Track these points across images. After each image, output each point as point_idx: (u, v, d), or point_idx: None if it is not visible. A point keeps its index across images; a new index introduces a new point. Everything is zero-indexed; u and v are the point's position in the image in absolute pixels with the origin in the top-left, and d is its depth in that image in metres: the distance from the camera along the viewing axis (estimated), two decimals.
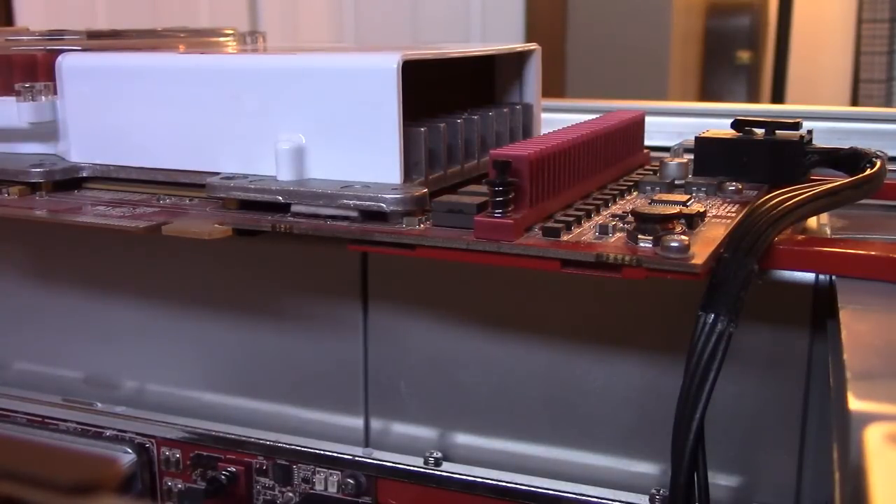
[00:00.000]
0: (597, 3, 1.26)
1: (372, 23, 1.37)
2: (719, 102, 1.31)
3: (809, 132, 0.37)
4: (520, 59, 0.42)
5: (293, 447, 0.39)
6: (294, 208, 0.32)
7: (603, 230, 0.29)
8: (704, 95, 1.44)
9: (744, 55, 1.46)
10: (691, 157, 0.37)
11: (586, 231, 0.29)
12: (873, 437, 0.17)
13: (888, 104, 1.43)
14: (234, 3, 1.41)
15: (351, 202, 0.31)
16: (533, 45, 0.41)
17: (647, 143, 0.42)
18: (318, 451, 0.38)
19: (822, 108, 0.51)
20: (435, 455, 0.37)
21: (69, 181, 0.38)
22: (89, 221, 0.34)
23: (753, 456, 0.34)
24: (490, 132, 0.38)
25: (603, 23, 1.25)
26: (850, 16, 1.54)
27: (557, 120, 0.48)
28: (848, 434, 0.18)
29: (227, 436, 0.40)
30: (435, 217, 0.30)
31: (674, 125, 0.52)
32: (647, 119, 0.42)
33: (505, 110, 0.39)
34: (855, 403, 0.20)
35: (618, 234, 0.29)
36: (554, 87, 1.19)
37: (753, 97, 1.48)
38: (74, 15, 1.44)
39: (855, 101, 1.49)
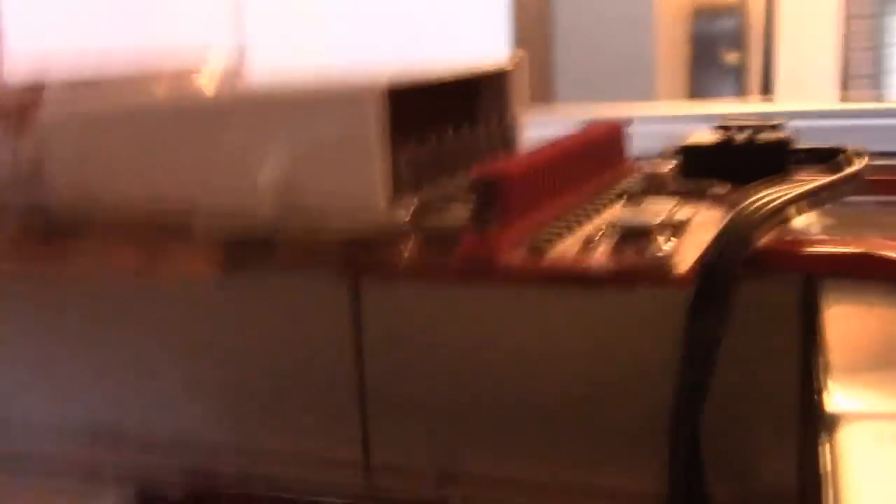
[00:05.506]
0: (583, 7, 1.27)
1: (359, 29, 1.37)
2: (707, 101, 1.31)
3: (794, 132, 0.37)
4: (505, 73, 0.42)
5: (294, 482, 0.39)
6: (280, 239, 0.32)
7: (589, 242, 0.29)
8: (692, 96, 1.44)
9: (731, 55, 1.47)
10: (677, 161, 0.38)
11: (572, 244, 0.30)
12: (857, 437, 0.17)
13: (876, 100, 1.43)
14: (218, 12, 1.40)
15: (337, 229, 0.31)
16: (517, 60, 0.41)
17: (634, 148, 0.42)
18: (319, 482, 0.38)
19: (810, 106, 0.51)
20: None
21: (53, 229, 0.38)
22: (77, 266, 0.34)
23: (753, 456, 0.34)
24: (474, 150, 0.38)
25: (589, 26, 1.26)
26: (836, 11, 1.54)
27: (544, 133, 0.49)
28: (831, 433, 0.19)
29: (227, 472, 0.40)
30: (420, 239, 0.30)
31: (661, 130, 0.52)
32: (635, 125, 0.42)
33: (489, 126, 0.39)
34: (838, 403, 0.20)
35: (604, 245, 0.29)
36: (541, 91, 1.19)
37: (742, 96, 1.48)
38: (61, 28, 1.43)
39: (843, 98, 1.49)
